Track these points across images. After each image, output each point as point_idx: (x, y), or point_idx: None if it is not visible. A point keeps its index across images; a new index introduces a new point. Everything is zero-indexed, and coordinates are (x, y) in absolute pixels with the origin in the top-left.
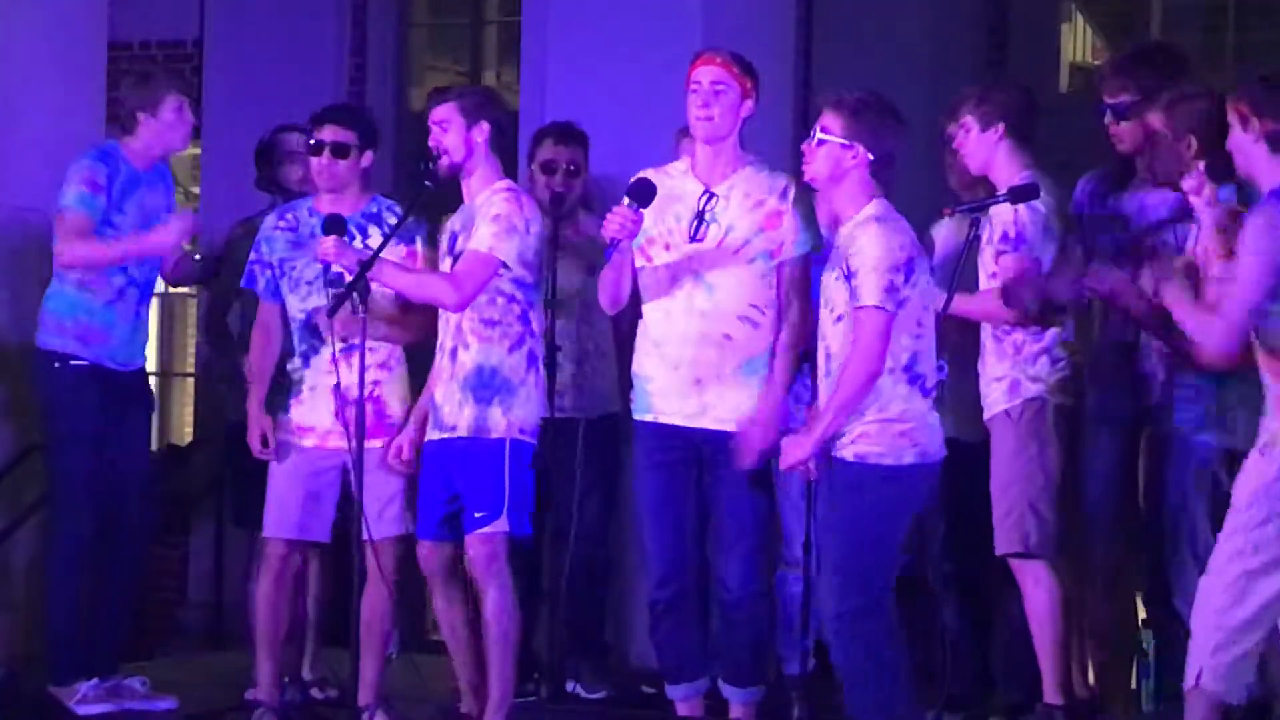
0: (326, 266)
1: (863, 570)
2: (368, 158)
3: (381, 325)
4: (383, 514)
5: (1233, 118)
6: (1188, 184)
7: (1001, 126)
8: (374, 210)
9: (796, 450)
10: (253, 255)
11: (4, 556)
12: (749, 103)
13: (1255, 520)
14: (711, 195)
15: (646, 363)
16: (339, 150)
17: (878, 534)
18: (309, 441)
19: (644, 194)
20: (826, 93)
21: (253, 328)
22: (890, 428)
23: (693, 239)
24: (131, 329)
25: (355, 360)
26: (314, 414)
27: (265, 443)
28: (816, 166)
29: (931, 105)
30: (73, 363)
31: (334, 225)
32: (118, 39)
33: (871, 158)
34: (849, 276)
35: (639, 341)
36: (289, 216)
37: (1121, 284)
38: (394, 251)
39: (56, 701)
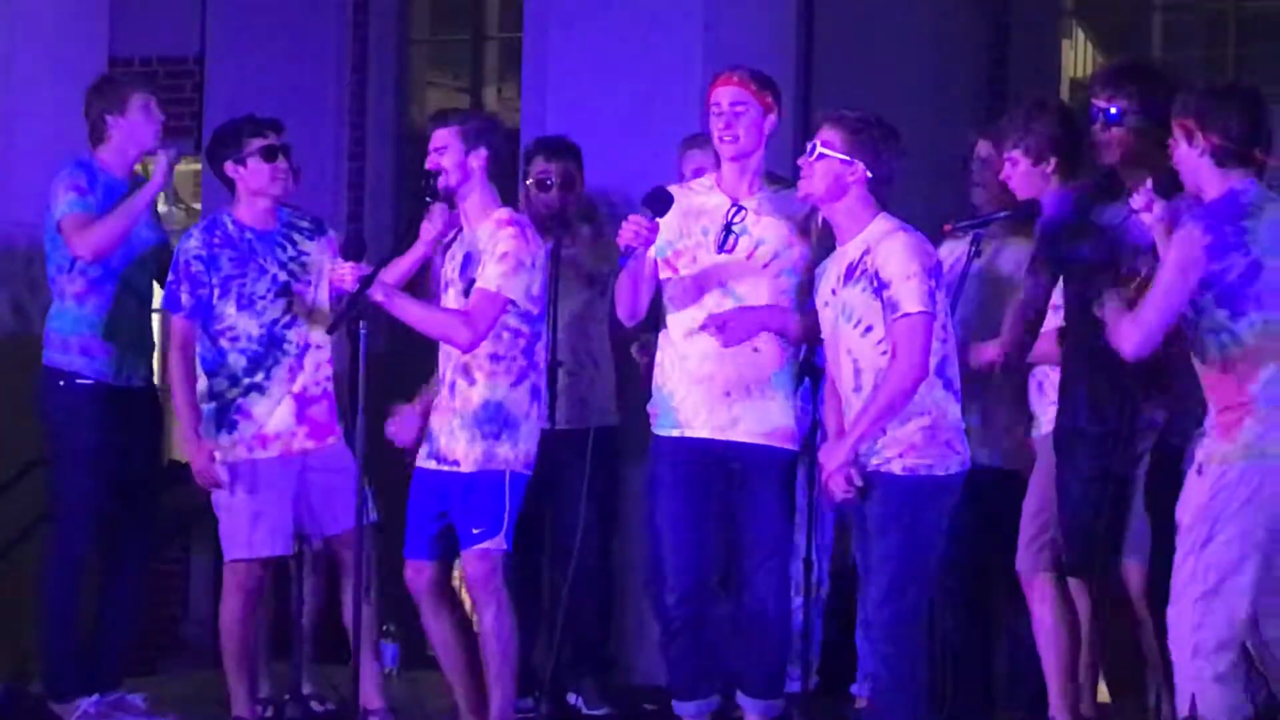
0: (274, 278)
1: (914, 583)
2: None
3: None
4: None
5: (1178, 132)
6: (1137, 201)
7: (1054, 160)
8: (285, 218)
9: (833, 458)
10: (172, 276)
11: (6, 572)
12: (771, 117)
13: (1200, 540)
14: (740, 208)
15: (671, 376)
16: (288, 152)
17: (929, 544)
18: (273, 451)
19: (659, 203)
20: (827, 110)
21: (171, 351)
22: (937, 437)
23: (720, 250)
24: (133, 341)
25: (308, 362)
26: (277, 421)
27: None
28: (815, 182)
29: (933, 120)
30: (77, 380)
31: (354, 249)
32: (119, 54)
33: (870, 176)
34: (880, 288)
35: (661, 355)
36: (219, 234)
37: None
38: (326, 258)
39: (57, 718)
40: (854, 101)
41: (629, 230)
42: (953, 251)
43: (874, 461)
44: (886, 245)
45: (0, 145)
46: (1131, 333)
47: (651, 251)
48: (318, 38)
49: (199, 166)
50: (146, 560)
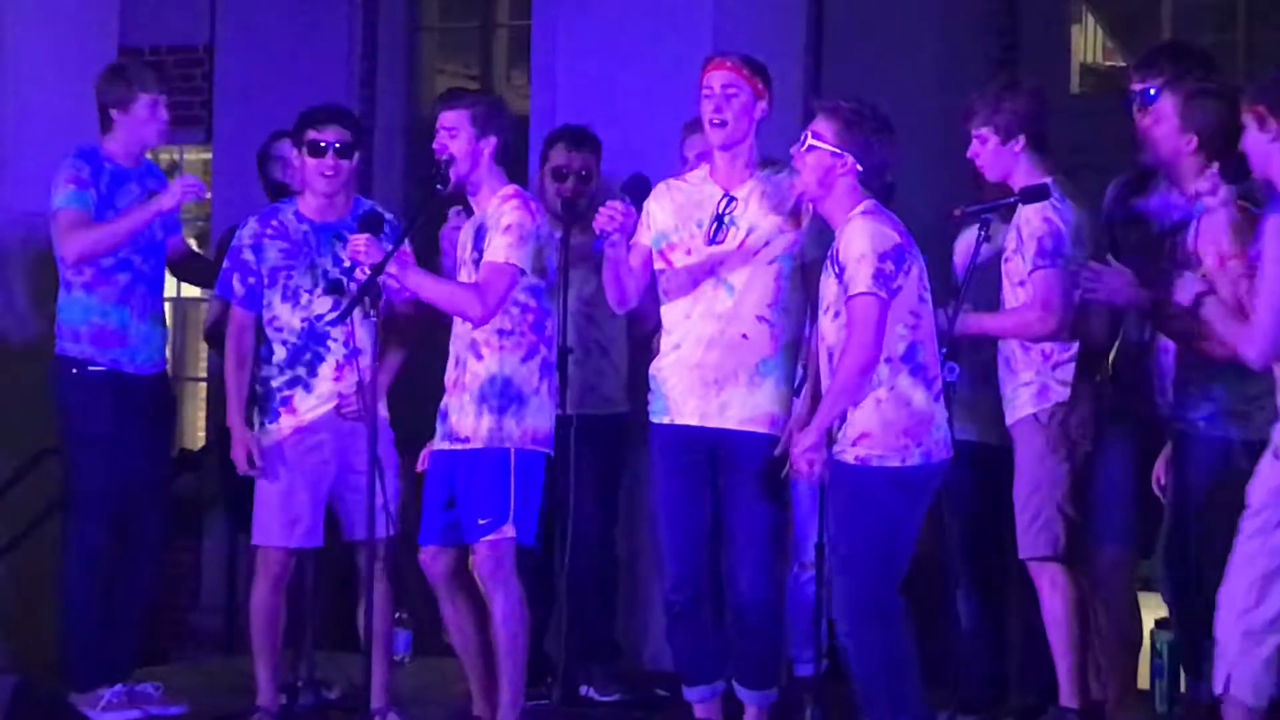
0: (325, 273)
1: (873, 572)
2: (356, 159)
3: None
4: (381, 515)
5: (1248, 118)
6: (1202, 185)
7: (1022, 138)
8: (359, 213)
9: (800, 442)
10: (227, 262)
11: (17, 563)
12: (762, 104)
13: (1272, 522)
14: (731, 199)
15: (664, 364)
16: (344, 151)
17: (885, 536)
18: (309, 441)
19: (638, 190)
20: (822, 99)
21: (227, 337)
22: (893, 427)
23: (712, 241)
24: (146, 327)
25: (360, 364)
26: (316, 417)
27: (251, 461)
28: (805, 175)
29: (942, 107)
30: (90, 368)
31: (371, 223)
32: (128, 43)
33: (860, 169)
34: (840, 272)
35: (661, 344)
36: (274, 223)
37: (1120, 286)
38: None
39: (76, 711)
40: (863, 89)
41: (604, 216)
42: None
43: (835, 449)
44: (846, 229)
45: (11, 134)
46: (1254, 338)
47: (648, 241)
48: (327, 25)
49: (209, 155)
50: (160, 550)
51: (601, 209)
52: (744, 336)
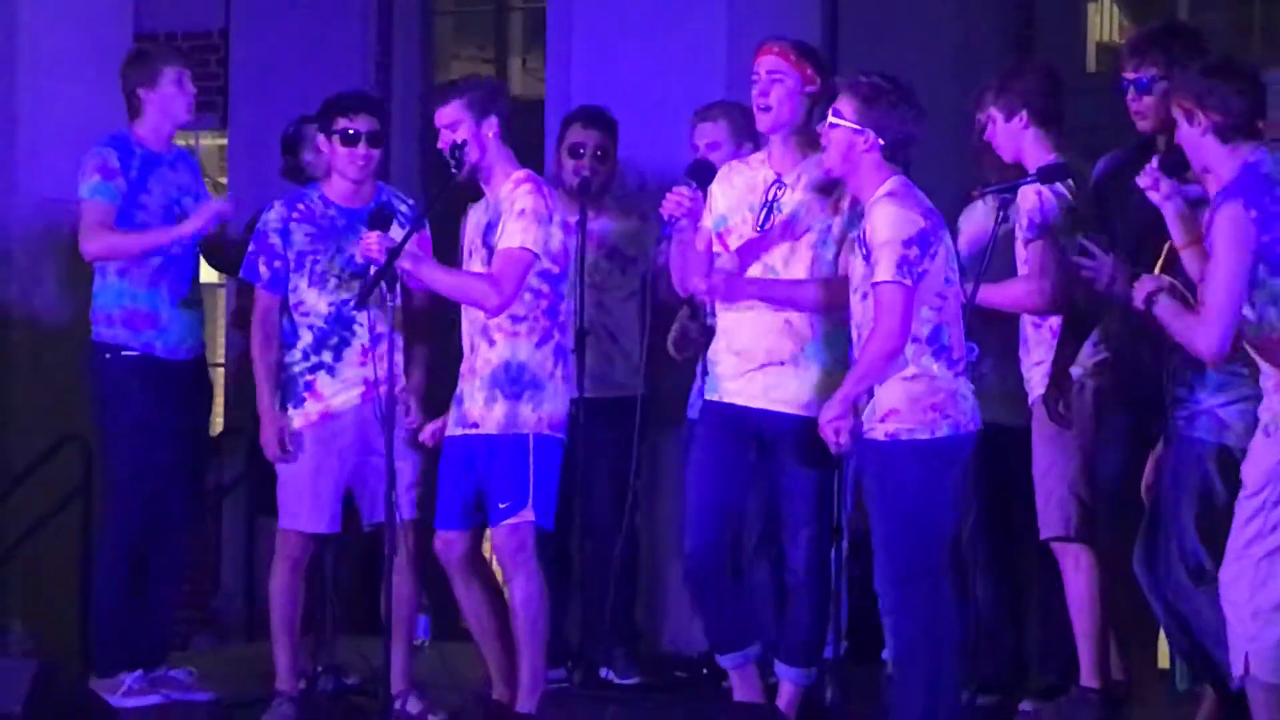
0: (352, 258)
1: (910, 548)
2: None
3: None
4: (403, 498)
5: (1178, 113)
6: (1143, 181)
7: (1024, 114)
8: (384, 199)
9: (829, 411)
10: (252, 246)
11: (39, 548)
12: (812, 88)
13: (1270, 501)
14: (780, 184)
15: (716, 349)
16: (375, 140)
17: (921, 510)
18: (334, 429)
19: (702, 174)
20: (844, 76)
21: (252, 322)
22: (921, 401)
23: (760, 226)
24: (179, 310)
25: (382, 349)
26: (342, 403)
27: (284, 445)
28: (830, 154)
29: (959, 87)
30: (123, 353)
31: (380, 219)
32: (144, 30)
33: (882, 143)
34: (867, 255)
35: (715, 329)
36: (300, 207)
37: (1114, 273)
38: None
39: (95, 695)
40: (879, 69)
41: (671, 201)
42: (985, 218)
43: (865, 428)
44: (873, 212)
45: (32, 123)
46: (1208, 332)
47: (710, 224)
48: (342, 10)
49: (225, 141)
50: (188, 535)
51: (668, 195)
52: (788, 322)
